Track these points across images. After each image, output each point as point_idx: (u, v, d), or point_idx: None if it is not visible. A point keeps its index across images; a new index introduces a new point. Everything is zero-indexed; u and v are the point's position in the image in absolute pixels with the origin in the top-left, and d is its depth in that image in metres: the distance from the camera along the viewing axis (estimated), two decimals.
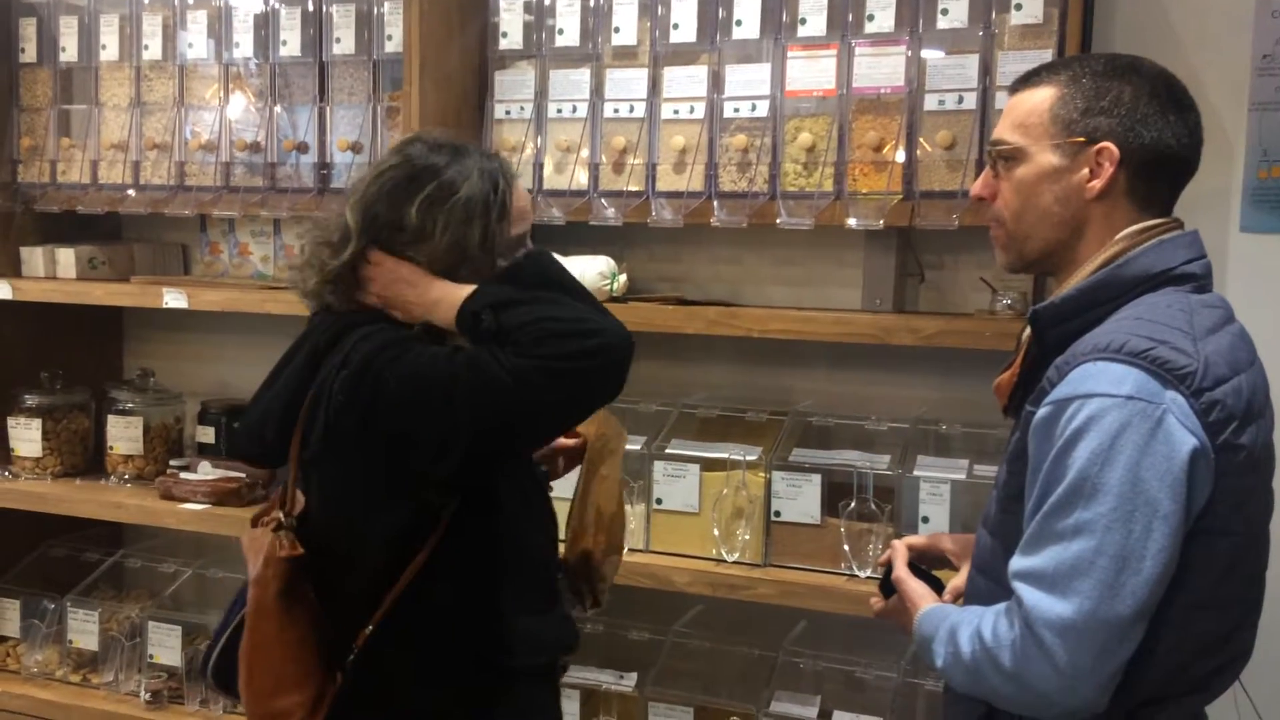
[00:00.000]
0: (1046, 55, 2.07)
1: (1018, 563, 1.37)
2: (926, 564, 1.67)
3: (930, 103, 2.16)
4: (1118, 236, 1.46)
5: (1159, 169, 1.46)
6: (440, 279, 1.58)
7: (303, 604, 1.56)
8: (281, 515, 1.59)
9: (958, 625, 1.43)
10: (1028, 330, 1.50)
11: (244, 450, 1.72)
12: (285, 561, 1.54)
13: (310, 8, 2.65)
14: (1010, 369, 1.52)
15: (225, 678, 1.68)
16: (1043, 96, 1.48)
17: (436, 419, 1.47)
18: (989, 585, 1.49)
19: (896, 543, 1.68)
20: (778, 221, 2.23)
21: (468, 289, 1.55)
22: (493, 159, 1.67)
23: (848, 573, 2.23)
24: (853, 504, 2.24)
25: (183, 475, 2.79)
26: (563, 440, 1.81)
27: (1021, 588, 1.35)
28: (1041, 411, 1.38)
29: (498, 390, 1.43)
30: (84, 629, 2.87)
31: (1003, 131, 1.52)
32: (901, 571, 1.61)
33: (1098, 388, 1.33)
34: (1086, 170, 1.45)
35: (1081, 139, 1.45)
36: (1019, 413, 1.47)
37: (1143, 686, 1.37)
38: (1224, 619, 1.40)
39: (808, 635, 2.44)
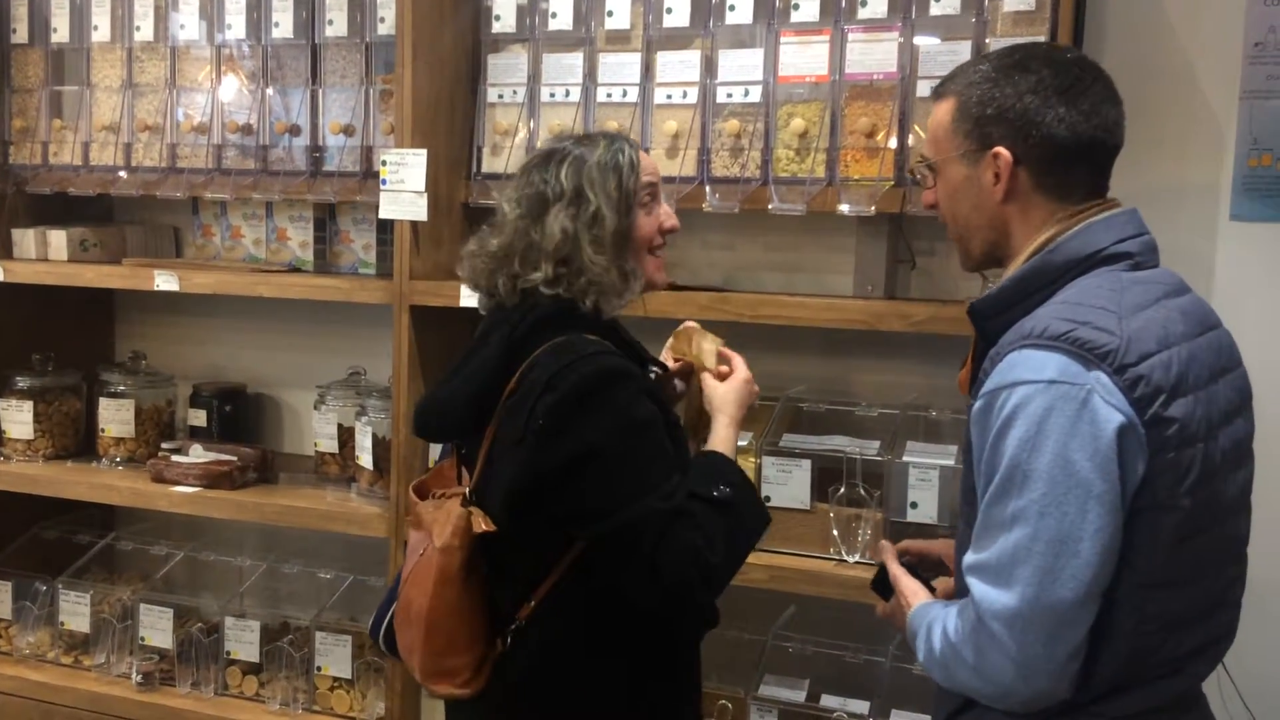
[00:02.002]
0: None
1: (969, 557, 1.40)
2: (928, 569, 1.67)
3: (923, 89, 2.16)
4: (1063, 215, 1.47)
5: (1060, 160, 1.47)
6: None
7: (477, 575, 1.69)
8: (467, 492, 1.70)
9: (933, 622, 1.46)
10: None
11: (421, 425, 1.82)
12: (475, 536, 1.65)
13: None
14: (965, 364, 1.56)
15: (393, 642, 1.81)
16: (945, 110, 1.53)
17: (601, 517, 1.59)
18: (959, 575, 1.51)
19: (885, 543, 1.70)
20: (770, 207, 2.24)
21: (731, 442, 1.75)
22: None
23: (837, 558, 2.24)
24: (842, 489, 2.25)
25: (174, 458, 2.79)
26: (673, 369, 1.89)
27: (971, 581, 1.38)
28: (977, 404, 1.40)
29: (652, 564, 1.58)
30: (76, 611, 2.87)
31: (925, 146, 1.59)
32: (895, 569, 1.62)
33: (1023, 375, 1.34)
34: (991, 174, 1.49)
35: (977, 146, 1.49)
36: None
37: (1107, 671, 1.37)
38: (1184, 597, 1.39)
39: (797, 620, 2.45)
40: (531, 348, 1.65)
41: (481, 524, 1.64)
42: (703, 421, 1.79)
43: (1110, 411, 1.31)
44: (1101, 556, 1.32)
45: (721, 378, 1.80)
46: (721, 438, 1.74)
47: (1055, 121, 1.46)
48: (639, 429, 1.62)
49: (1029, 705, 1.38)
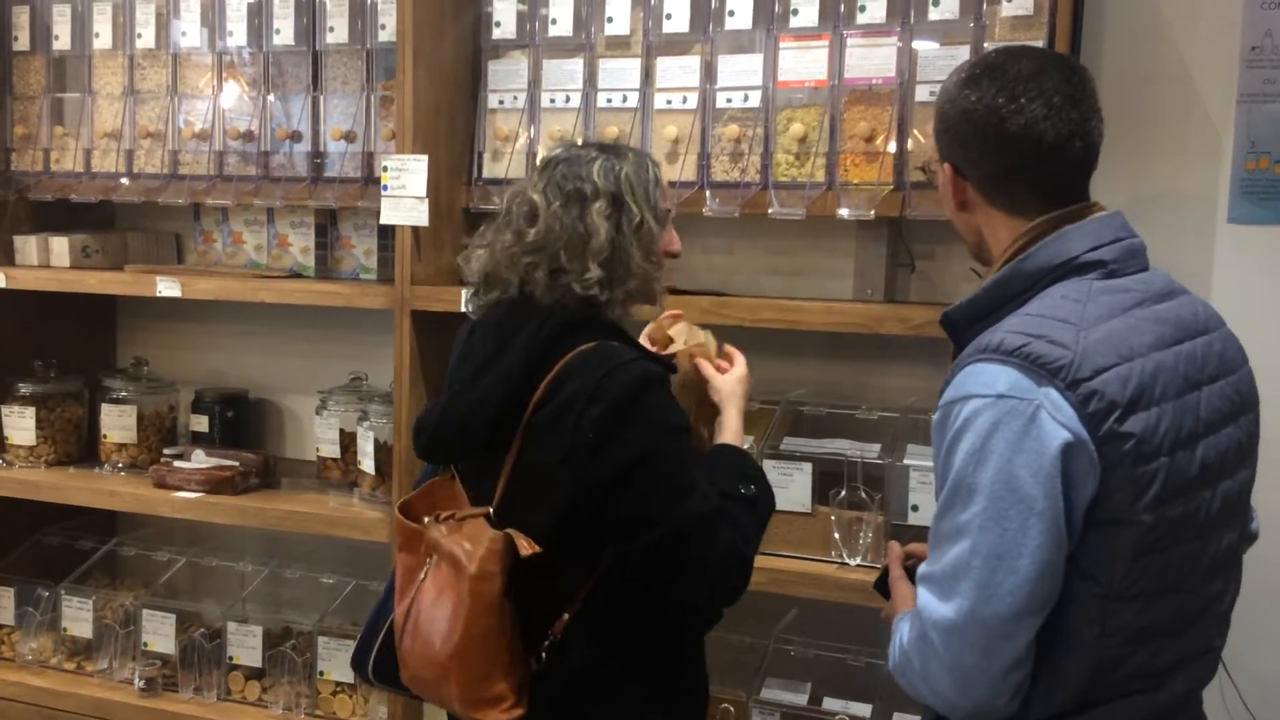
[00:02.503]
0: (1038, 46, 2.08)
1: (922, 567, 1.41)
2: None
3: (922, 94, 2.17)
4: (1023, 230, 1.46)
5: (998, 179, 1.46)
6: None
7: (509, 597, 1.63)
8: (490, 512, 1.65)
9: (896, 630, 1.47)
10: None
11: (433, 445, 1.73)
12: (512, 558, 1.60)
13: None
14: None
15: (386, 673, 1.77)
16: (932, 120, 1.56)
17: (652, 525, 1.59)
18: None
19: (893, 544, 1.71)
20: (770, 211, 2.25)
21: (741, 433, 1.77)
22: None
23: (838, 561, 2.25)
24: (843, 492, 2.26)
25: (176, 464, 2.80)
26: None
27: (920, 591, 1.39)
28: (935, 414, 1.41)
29: (701, 565, 1.60)
30: (78, 617, 2.88)
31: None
32: (896, 573, 1.64)
33: (974, 389, 1.34)
34: (949, 185, 1.52)
35: (938, 156, 1.52)
36: None
37: (1073, 683, 1.36)
38: (1154, 610, 1.37)
39: (798, 623, 2.45)
40: (555, 356, 1.62)
41: (526, 547, 1.60)
42: (705, 407, 1.80)
43: (1056, 428, 1.30)
44: (1041, 572, 1.31)
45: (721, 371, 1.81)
46: (733, 430, 1.76)
47: (983, 155, 1.46)
48: (676, 432, 1.64)
49: (973, 717, 1.38)
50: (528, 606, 1.65)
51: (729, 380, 1.80)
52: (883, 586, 1.68)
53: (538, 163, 1.78)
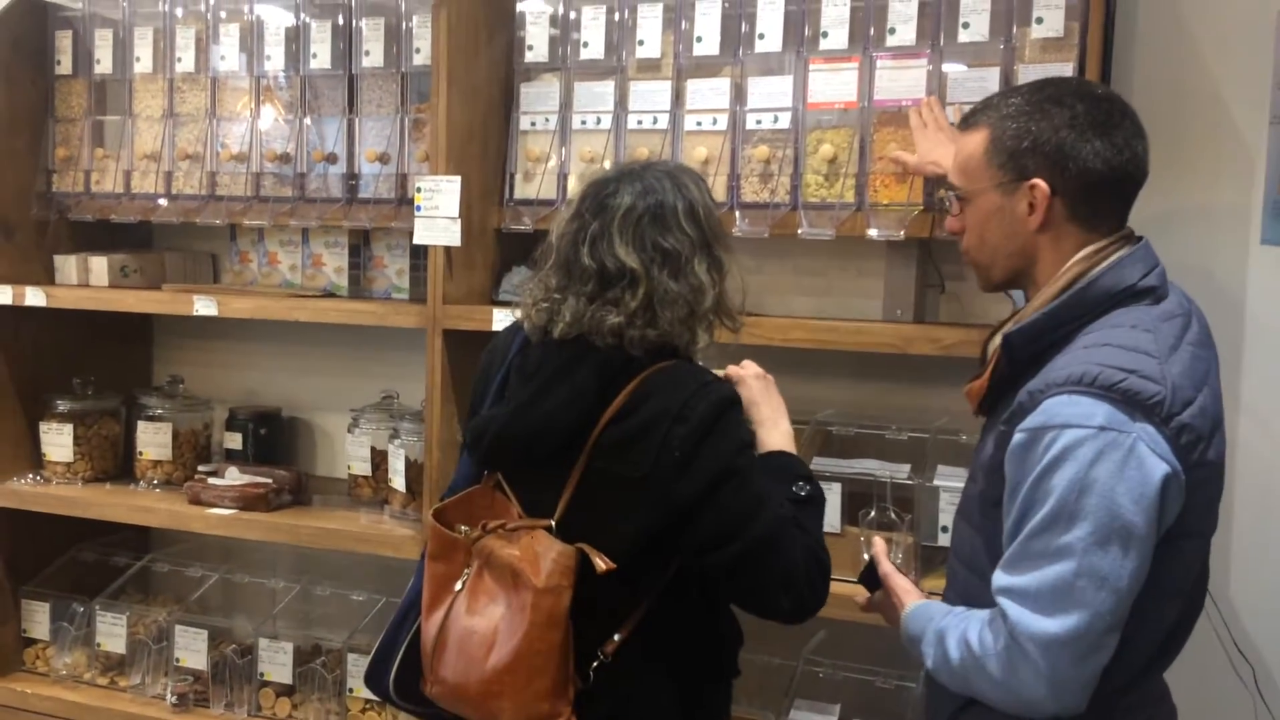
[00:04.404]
0: (1068, 69, 2.08)
1: (1002, 579, 1.47)
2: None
3: (952, 115, 2.17)
4: (1073, 259, 1.54)
5: (1094, 191, 1.53)
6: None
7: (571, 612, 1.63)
8: (552, 524, 1.64)
9: (945, 631, 1.53)
10: (996, 340, 1.60)
11: (500, 451, 1.71)
12: (580, 574, 1.59)
13: (340, 21, 2.70)
14: (981, 378, 1.61)
15: (409, 690, 1.76)
16: (978, 141, 1.58)
17: (732, 539, 1.59)
18: (968, 575, 1.61)
19: (878, 539, 1.78)
20: (799, 232, 2.26)
21: (784, 435, 1.77)
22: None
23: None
24: (873, 513, 2.25)
25: (210, 480, 2.83)
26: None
27: (1007, 604, 1.45)
28: (1017, 437, 1.46)
29: (787, 573, 1.61)
30: (112, 632, 2.91)
31: (952, 175, 1.65)
32: (887, 567, 1.71)
33: (1071, 419, 1.41)
34: (1026, 204, 1.54)
35: (1012, 178, 1.54)
36: (989, 415, 1.61)
37: (1122, 674, 1.48)
38: (1189, 603, 1.56)
39: (827, 644, 2.45)
40: (628, 374, 1.62)
41: (601, 564, 1.58)
42: None
43: (1156, 461, 1.40)
44: (1133, 591, 1.42)
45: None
46: (771, 437, 1.76)
47: (1091, 155, 1.51)
48: (749, 448, 1.67)
49: (1057, 716, 1.46)
50: (582, 624, 1.63)
51: (751, 378, 1.80)
52: (868, 579, 1.75)
53: (590, 196, 1.70)
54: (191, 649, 2.82)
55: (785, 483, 1.69)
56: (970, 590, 1.59)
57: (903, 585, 1.69)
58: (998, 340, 1.59)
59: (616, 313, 1.63)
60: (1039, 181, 1.52)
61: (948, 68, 2.20)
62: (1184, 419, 1.42)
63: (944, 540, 2.19)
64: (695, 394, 1.61)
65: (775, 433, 1.77)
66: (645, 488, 1.60)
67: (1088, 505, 1.39)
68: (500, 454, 1.72)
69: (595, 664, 1.64)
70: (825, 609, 2.19)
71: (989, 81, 2.15)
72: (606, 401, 1.62)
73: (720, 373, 1.82)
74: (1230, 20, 2.29)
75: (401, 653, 1.78)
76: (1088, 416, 1.40)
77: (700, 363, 1.74)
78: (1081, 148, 1.51)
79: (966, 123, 1.63)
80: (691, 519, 1.60)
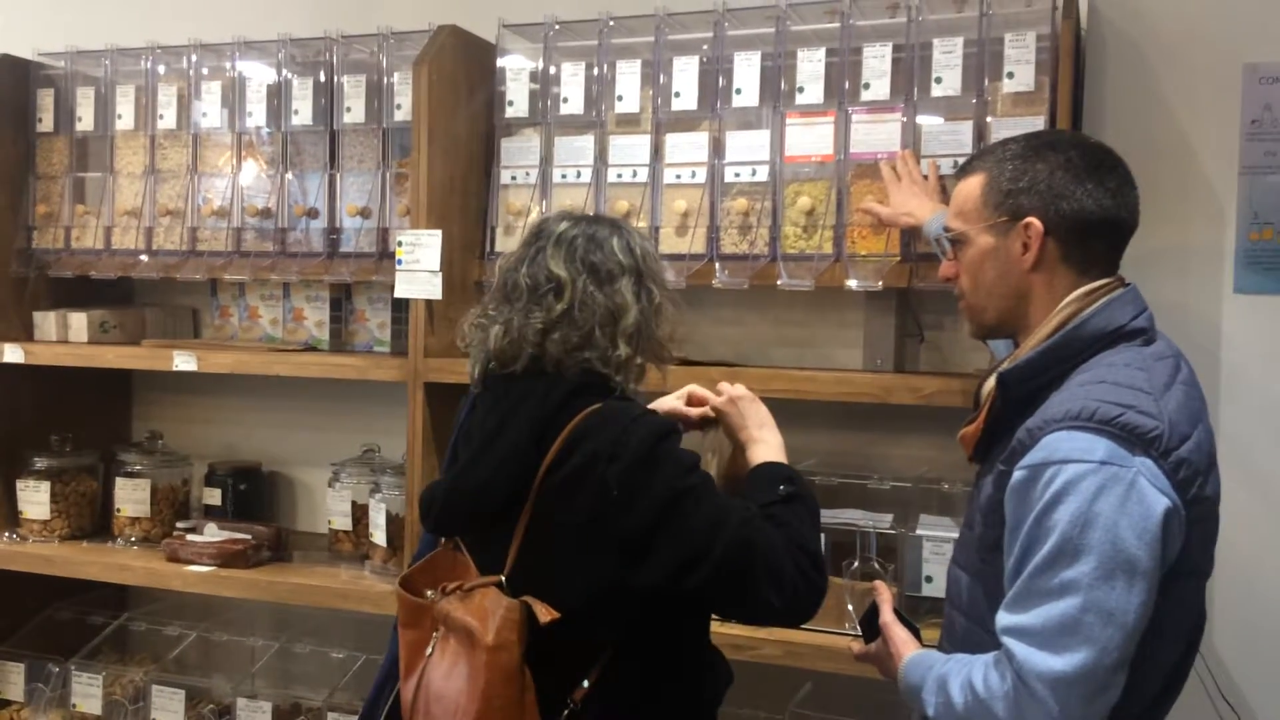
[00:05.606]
0: (1039, 122, 2.12)
1: (1006, 619, 1.45)
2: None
3: (925, 167, 2.20)
4: (1066, 300, 1.56)
5: (1086, 234, 1.56)
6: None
7: (528, 664, 1.61)
8: (502, 580, 1.63)
9: (946, 676, 1.51)
10: (990, 384, 1.61)
11: (445, 518, 1.73)
12: (529, 626, 1.58)
13: (322, 78, 2.72)
14: (975, 423, 1.62)
15: None
16: (974, 184, 1.62)
17: (702, 558, 1.57)
18: (967, 624, 1.59)
19: (881, 586, 1.75)
20: (778, 283, 2.27)
21: (771, 447, 1.76)
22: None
23: (853, 633, 2.22)
24: (856, 563, 2.25)
25: (189, 537, 2.80)
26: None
27: (1012, 643, 1.43)
28: (1018, 474, 1.46)
29: (774, 573, 1.58)
30: (88, 693, 2.86)
31: (949, 219, 1.67)
32: (888, 617, 1.68)
33: (1072, 454, 1.41)
34: (1020, 244, 1.57)
35: (1007, 217, 1.57)
36: (984, 460, 1.60)
37: (1125, 718, 1.47)
38: (1189, 645, 1.55)
39: (813, 697, 2.43)
40: (561, 421, 1.62)
41: (544, 614, 1.58)
42: (737, 455, 1.81)
43: (1157, 495, 1.40)
44: (1139, 626, 1.40)
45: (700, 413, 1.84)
46: (758, 452, 1.75)
47: (1084, 196, 1.55)
48: (695, 469, 1.65)
49: None
50: (544, 675, 1.62)
51: (726, 404, 1.81)
52: (868, 626, 1.72)
53: (532, 230, 1.76)
54: (169, 709, 2.78)
55: (768, 490, 1.67)
56: (972, 638, 1.57)
57: (901, 636, 1.66)
58: (991, 383, 1.60)
59: (541, 319, 1.66)
60: (1033, 220, 1.55)
61: (922, 120, 2.24)
62: (1182, 454, 1.42)
63: (928, 590, 2.19)
64: (625, 430, 1.60)
65: (760, 448, 1.76)
66: (591, 531, 1.59)
67: (1092, 540, 1.38)
68: (450, 519, 1.73)
69: (565, 712, 1.62)
70: (811, 661, 2.20)
71: (962, 135, 2.19)
72: (544, 451, 1.62)
73: (696, 413, 1.84)
74: (1199, 73, 2.34)
75: (384, 716, 1.78)
76: (1088, 451, 1.40)
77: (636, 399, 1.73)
78: (1074, 189, 1.54)
79: (964, 169, 1.67)
80: (650, 550, 1.58)
